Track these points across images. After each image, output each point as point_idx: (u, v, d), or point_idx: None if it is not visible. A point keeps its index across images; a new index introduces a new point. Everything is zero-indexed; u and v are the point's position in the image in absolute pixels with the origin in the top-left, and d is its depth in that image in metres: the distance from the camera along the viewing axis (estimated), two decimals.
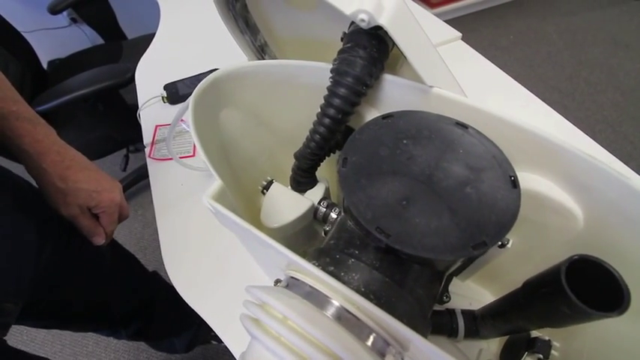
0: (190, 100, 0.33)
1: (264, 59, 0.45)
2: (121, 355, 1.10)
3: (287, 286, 0.24)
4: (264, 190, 0.43)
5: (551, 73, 1.65)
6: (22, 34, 1.05)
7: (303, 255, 0.44)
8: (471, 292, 0.45)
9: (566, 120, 0.60)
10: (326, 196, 0.41)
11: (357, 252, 0.24)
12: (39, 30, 1.53)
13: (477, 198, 0.23)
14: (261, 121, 0.41)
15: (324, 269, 0.22)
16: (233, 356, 0.42)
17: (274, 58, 0.45)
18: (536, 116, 0.60)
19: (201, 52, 0.83)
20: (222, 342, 0.43)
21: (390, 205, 0.22)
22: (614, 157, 0.52)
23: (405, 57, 0.27)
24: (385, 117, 0.28)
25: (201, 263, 0.49)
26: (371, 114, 0.34)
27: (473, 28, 1.87)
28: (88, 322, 0.64)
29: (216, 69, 0.80)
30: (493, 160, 0.25)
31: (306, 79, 0.36)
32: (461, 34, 0.77)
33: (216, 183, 0.26)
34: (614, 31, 1.81)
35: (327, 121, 0.32)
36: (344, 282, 0.22)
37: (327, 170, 0.42)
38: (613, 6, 1.95)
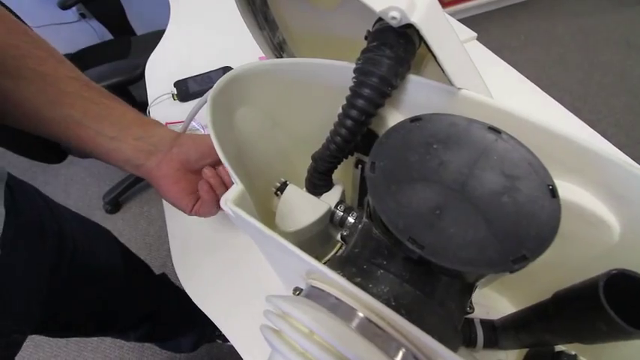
0: (208, 98, 0.32)
1: (282, 57, 0.43)
2: (125, 352, 1.10)
3: (308, 296, 0.23)
4: (278, 192, 0.41)
5: (563, 75, 1.63)
6: (32, 29, 1.04)
7: (318, 260, 0.44)
8: (489, 301, 0.43)
9: (586, 125, 0.58)
10: (342, 199, 0.39)
11: (385, 262, 0.23)
12: (48, 25, 1.53)
13: (515, 208, 0.21)
14: (278, 122, 0.40)
15: (351, 280, 0.21)
16: (239, 356, 0.41)
17: (292, 56, 0.44)
18: (554, 120, 0.59)
19: (212, 49, 0.82)
20: (227, 341, 0.42)
21: (423, 214, 0.21)
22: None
23: (435, 57, 0.26)
24: (413, 120, 0.26)
25: (212, 264, 0.48)
26: (393, 116, 0.33)
27: (483, 28, 1.84)
28: (96, 331, 0.63)
29: (227, 67, 0.80)
30: (529, 167, 0.23)
31: (326, 79, 0.35)
32: (476, 34, 0.76)
33: (237, 187, 0.25)
34: (628, 32, 1.78)
35: (349, 122, 0.30)
36: (372, 294, 0.21)
37: (341, 172, 0.40)
38: (626, 7, 1.92)
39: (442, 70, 0.28)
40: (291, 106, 0.38)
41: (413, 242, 0.20)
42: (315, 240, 0.40)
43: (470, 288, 0.24)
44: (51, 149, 0.81)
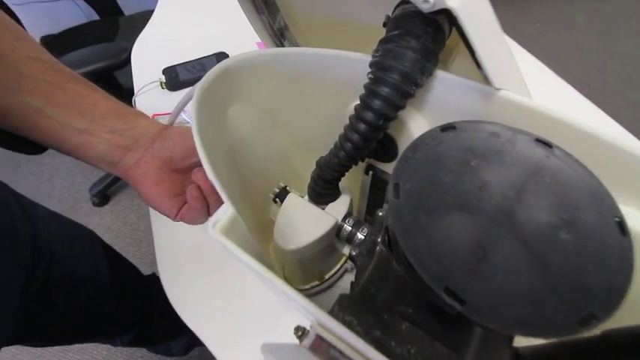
0: (194, 93, 0.28)
1: (282, 45, 0.39)
2: (113, 354, 1.07)
3: (313, 349, 0.19)
4: (277, 199, 0.39)
5: (580, 65, 1.57)
6: (11, 7, 0.99)
7: (319, 276, 0.41)
8: None
9: (618, 124, 0.54)
10: (350, 211, 0.36)
11: (410, 311, 0.19)
12: (30, 3, 1.46)
13: (576, 248, 0.17)
14: (277, 121, 0.37)
15: (368, 334, 0.17)
16: None
17: (296, 44, 0.39)
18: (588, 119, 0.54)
19: (206, 32, 0.78)
20: None
21: (462, 255, 0.17)
22: None
23: (473, 51, 0.22)
24: (445, 129, 0.22)
25: (199, 274, 0.46)
26: (415, 120, 0.29)
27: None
28: (80, 340, 0.60)
29: (222, 53, 0.75)
30: (590, 193, 0.19)
31: (336, 73, 0.31)
32: None
33: (228, 212, 0.21)
34: None
35: (362, 127, 0.27)
36: (397, 356, 0.17)
37: (348, 178, 0.37)
38: None
39: (479, 65, 0.24)
40: (293, 104, 0.36)
41: (450, 294, 0.16)
42: (318, 255, 0.36)
43: (509, 341, 0.21)
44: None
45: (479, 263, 0.17)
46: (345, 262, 0.42)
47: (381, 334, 0.18)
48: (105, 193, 1.36)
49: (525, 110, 0.24)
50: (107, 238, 1.28)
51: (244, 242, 0.22)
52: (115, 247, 0.65)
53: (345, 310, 0.20)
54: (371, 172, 0.37)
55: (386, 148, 0.34)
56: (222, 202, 0.34)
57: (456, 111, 0.26)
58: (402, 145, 0.32)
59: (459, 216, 0.19)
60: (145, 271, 0.80)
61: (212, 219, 0.22)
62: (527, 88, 0.26)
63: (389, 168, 0.36)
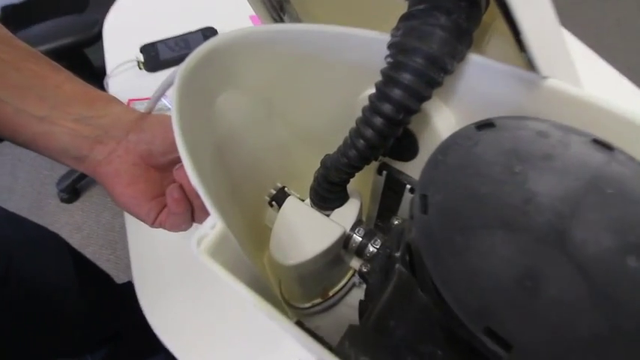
0: (176, 77, 0.26)
1: (282, 21, 0.38)
2: None
3: None
4: (273, 202, 0.38)
5: (621, 44, 1.55)
6: None
7: (322, 293, 0.40)
8: None
9: None
10: (360, 219, 0.35)
11: (440, 352, 0.18)
12: None
13: None
14: (275, 111, 0.36)
15: None
16: None
17: (297, 20, 0.38)
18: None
19: (191, 3, 0.76)
20: None
21: (507, 287, 0.16)
22: None
23: (516, 31, 0.20)
24: (481, 126, 0.21)
25: (181, 285, 0.45)
26: (441, 114, 0.28)
27: None
28: (45, 357, 0.59)
29: (210, 28, 0.73)
30: None
31: (346, 55, 0.29)
32: None
33: (217, 228, 0.19)
34: None
35: (378, 121, 0.25)
36: None
37: (358, 179, 0.36)
38: None
39: (521, 47, 0.22)
40: (294, 91, 0.35)
41: (493, 337, 0.15)
42: (321, 270, 0.36)
43: None
44: None
45: (528, 297, 0.16)
46: (353, 275, 0.42)
47: None
48: (74, 187, 1.35)
49: (580, 104, 0.22)
50: (77, 239, 1.30)
51: (236, 263, 0.21)
52: (87, 250, 0.64)
53: (358, 347, 0.19)
54: (385, 172, 0.36)
55: (404, 145, 0.32)
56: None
57: (492, 104, 0.25)
58: (424, 143, 0.31)
59: (501, 236, 0.17)
60: (121, 277, 0.80)
61: (196, 234, 0.20)
62: (577, 76, 0.25)
63: (406, 168, 0.35)
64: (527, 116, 0.21)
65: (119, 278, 1.24)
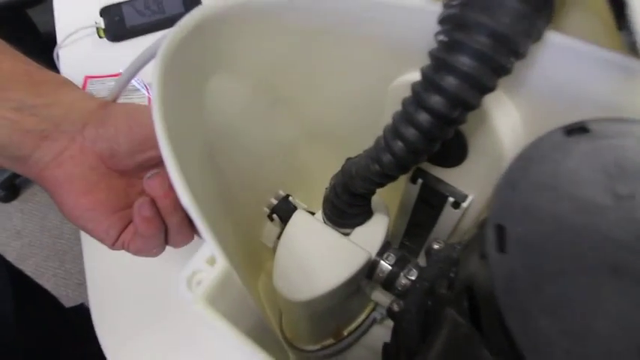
0: (157, 57, 0.25)
1: None
2: None
3: None
4: (273, 215, 0.38)
5: None
6: None
7: (335, 332, 0.39)
8: None
9: None
10: (389, 241, 0.35)
11: None
12: None
13: None
14: (280, 99, 0.36)
15: None
16: None
17: None
18: None
19: None
20: None
21: (619, 357, 0.14)
22: None
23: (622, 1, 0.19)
24: (571, 131, 0.19)
25: (149, 311, 0.45)
26: (502, 109, 0.27)
27: None
28: None
29: None
30: None
31: (376, 30, 0.29)
32: None
33: (216, 265, 0.18)
34: None
35: (424, 119, 0.24)
36: None
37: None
38: None
39: (621, 25, 0.21)
40: (306, 75, 0.35)
41: None
42: (337, 306, 0.35)
43: None
44: None
45: None
46: (374, 309, 0.41)
47: None
48: (13, 183, 1.34)
49: None
50: (14, 248, 1.28)
51: (239, 309, 0.20)
52: (27, 263, 0.63)
53: None
54: (420, 181, 0.35)
55: (448, 147, 0.31)
56: (187, 227, 0.32)
57: (573, 99, 0.24)
58: (475, 146, 0.31)
59: (608, 286, 0.16)
60: (71, 298, 0.79)
61: (186, 270, 0.19)
62: None
63: (448, 176, 0.34)
64: (630, 119, 0.20)
65: (69, 299, 1.23)
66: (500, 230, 0.17)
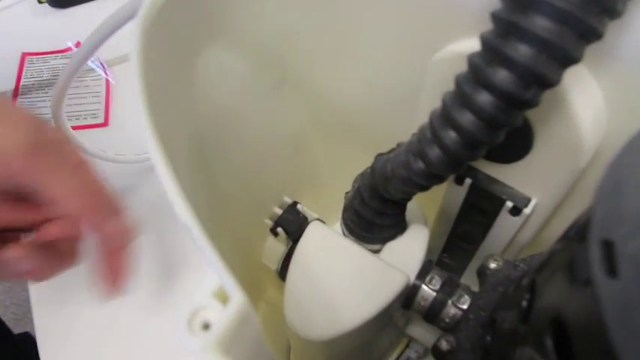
0: (135, 24, 0.25)
1: None
2: None
3: None
4: (277, 229, 0.39)
5: None
6: None
7: None
8: None
9: None
10: (431, 260, 0.36)
11: None
12: None
13: None
14: (289, 76, 0.37)
15: None
16: None
17: None
18: None
19: None
20: None
21: None
22: None
23: None
24: None
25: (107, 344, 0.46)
26: (583, 87, 0.27)
27: None
28: None
29: None
30: None
31: None
32: None
33: (231, 302, 0.18)
34: None
35: (486, 101, 0.24)
36: None
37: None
38: None
39: None
40: (321, 45, 0.36)
41: None
42: (364, 344, 0.36)
43: None
44: None
45: None
46: (408, 346, 0.42)
47: None
48: None
49: None
50: None
51: (256, 355, 0.20)
52: None
53: None
54: (468, 181, 0.36)
55: (507, 137, 0.31)
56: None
57: None
58: (544, 135, 0.31)
59: None
60: (15, 325, 0.80)
61: (190, 310, 0.19)
62: None
63: (504, 173, 0.34)
64: None
65: (14, 326, 1.26)
66: (609, 247, 0.17)
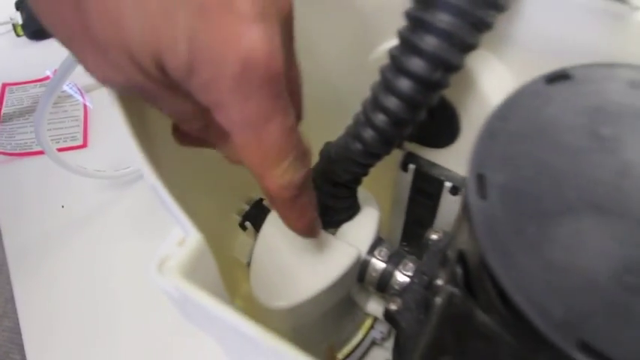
0: None
1: None
2: None
3: None
4: (246, 223, 0.41)
5: None
6: None
7: (328, 355, 0.42)
8: None
9: None
10: (381, 237, 0.38)
11: None
12: None
13: None
14: None
15: None
16: None
17: None
18: None
19: None
20: None
21: (602, 286, 0.18)
22: None
23: None
24: (553, 79, 0.24)
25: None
26: (492, 70, 0.31)
27: None
28: None
29: None
30: None
31: None
32: None
33: (188, 239, 0.22)
34: None
35: (405, 85, 0.28)
36: None
37: (370, 180, 0.39)
38: None
39: None
40: None
41: (589, 352, 0.17)
42: (325, 317, 0.38)
43: None
44: None
45: (631, 297, 0.18)
46: (372, 327, 0.44)
47: None
48: None
49: None
50: None
51: (213, 283, 0.23)
52: None
53: None
54: (412, 167, 0.39)
55: (438, 123, 0.35)
56: None
57: (565, 53, 0.27)
58: (468, 118, 0.34)
59: (590, 222, 0.20)
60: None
61: (157, 257, 0.22)
62: None
63: (443, 157, 0.38)
64: (615, 63, 0.24)
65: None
66: (481, 179, 0.21)
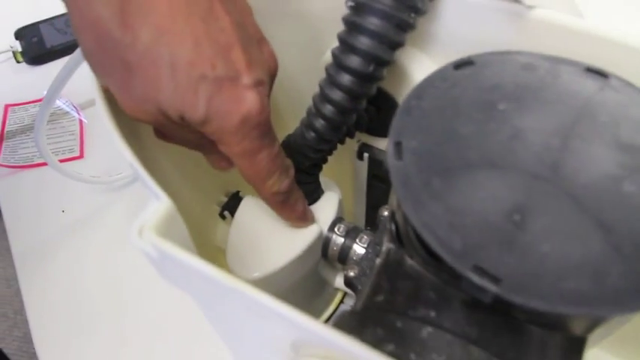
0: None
1: None
2: None
3: None
4: (225, 213, 0.43)
5: None
6: None
7: None
8: None
9: None
10: (341, 217, 0.40)
11: (433, 314, 0.23)
12: None
13: None
14: None
15: (379, 349, 0.21)
16: None
17: None
18: None
19: None
20: None
21: (493, 224, 0.22)
22: None
23: None
24: (459, 65, 0.27)
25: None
26: (421, 65, 0.34)
27: None
28: None
29: None
30: None
31: (302, 4, 0.36)
32: None
33: (161, 203, 0.25)
34: None
35: (345, 79, 0.31)
36: None
37: (333, 168, 0.42)
38: None
39: None
40: None
41: (481, 273, 0.20)
42: (297, 292, 0.40)
43: (579, 345, 0.25)
44: None
45: (516, 231, 0.21)
46: (342, 302, 0.46)
47: (396, 348, 0.22)
48: None
49: (573, 34, 0.29)
50: None
51: (187, 247, 0.26)
52: None
53: (344, 329, 0.24)
54: (366, 155, 0.42)
55: (384, 115, 0.38)
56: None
57: (472, 44, 0.30)
58: None
59: (485, 175, 0.23)
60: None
61: (136, 224, 0.25)
62: (574, 3, 0.32)
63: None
64: (510, 50, 0.28)
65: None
66: (399, 145, 0.24)
